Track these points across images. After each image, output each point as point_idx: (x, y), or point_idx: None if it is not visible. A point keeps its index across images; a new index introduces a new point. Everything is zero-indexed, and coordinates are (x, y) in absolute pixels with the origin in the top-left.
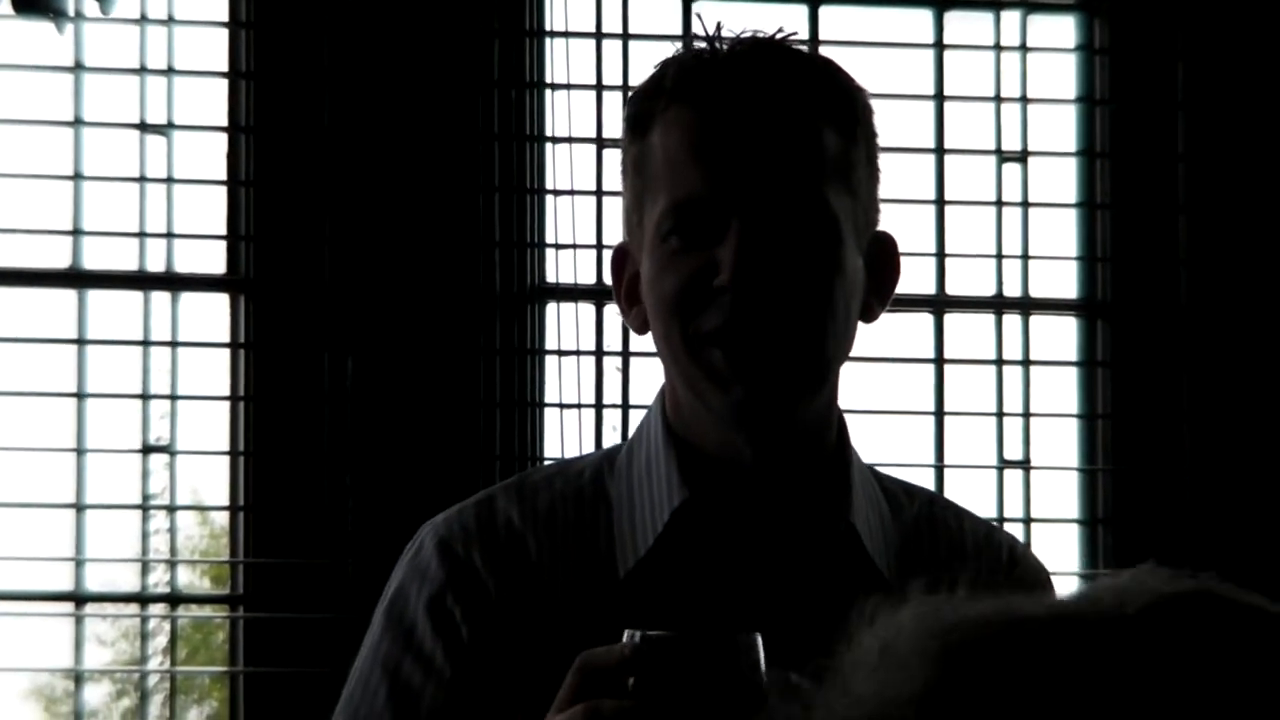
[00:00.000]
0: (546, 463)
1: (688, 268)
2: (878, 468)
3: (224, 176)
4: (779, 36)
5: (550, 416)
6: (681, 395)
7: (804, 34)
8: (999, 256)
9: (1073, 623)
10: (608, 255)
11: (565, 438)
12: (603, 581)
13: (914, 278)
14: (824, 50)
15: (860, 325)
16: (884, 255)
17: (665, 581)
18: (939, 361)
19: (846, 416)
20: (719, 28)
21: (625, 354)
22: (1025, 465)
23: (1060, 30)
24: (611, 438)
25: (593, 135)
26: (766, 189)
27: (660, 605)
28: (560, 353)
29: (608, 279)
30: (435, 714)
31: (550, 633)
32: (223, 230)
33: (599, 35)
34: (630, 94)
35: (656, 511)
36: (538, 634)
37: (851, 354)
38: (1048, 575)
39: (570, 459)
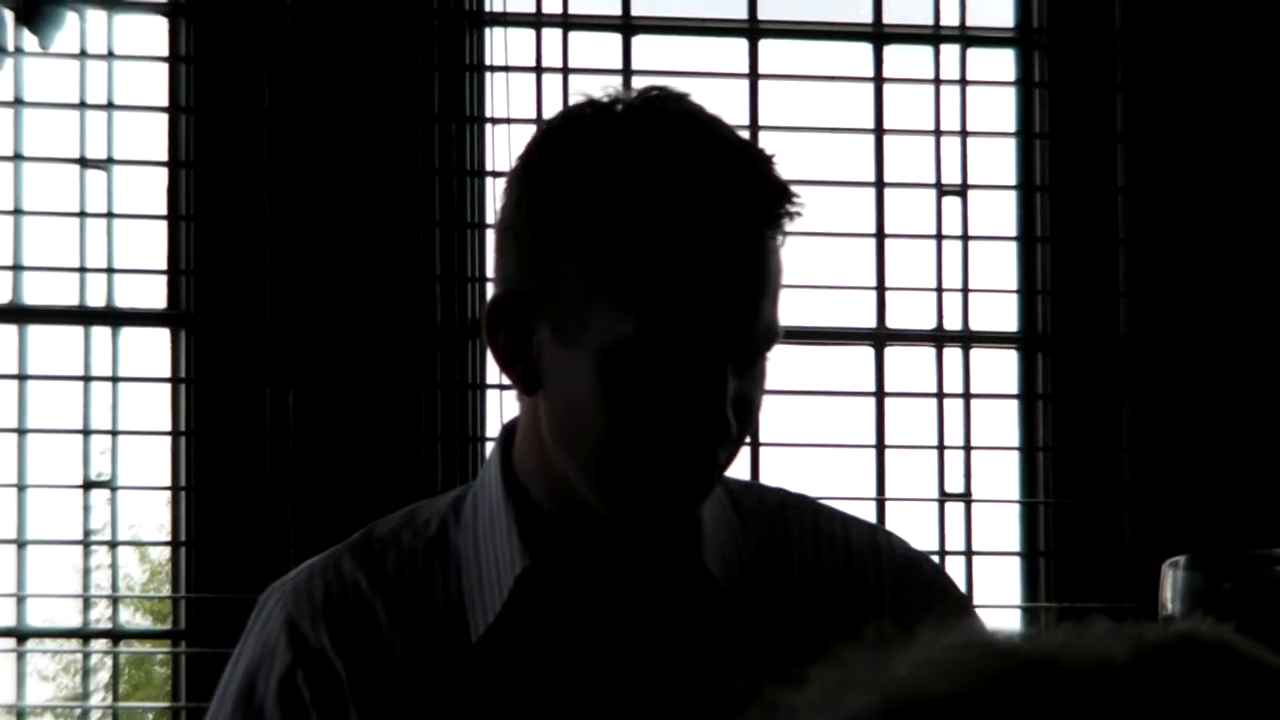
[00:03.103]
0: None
1: (642, 388)
2: (729, 478)
3: (164, 211)
4: (732, 137)
5: (492, 449)
6: (561, 471)
7: (744, 67)
8: (939, 290)
9: (1057, 673)
10: None
11: None
12: (455, 646)
13: (854, 312)
14: (764, 84)
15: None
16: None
17: (518, 644)
18: (879, 395)
19: (778, 450)
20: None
21: None
22: (966, 498)
23: (999, 64)
24: None
25: None
26: (741, 329)
27: (515, 668)
28: (501, 387)
29: None
30: None
31: (404, 704)
32: (163, 265)
33: (539, 69)
34: (560, 155)
35: (501, 576)
36: (391, 708)
37: (792, 388)
38: (948, 585)
39: (418, 506)
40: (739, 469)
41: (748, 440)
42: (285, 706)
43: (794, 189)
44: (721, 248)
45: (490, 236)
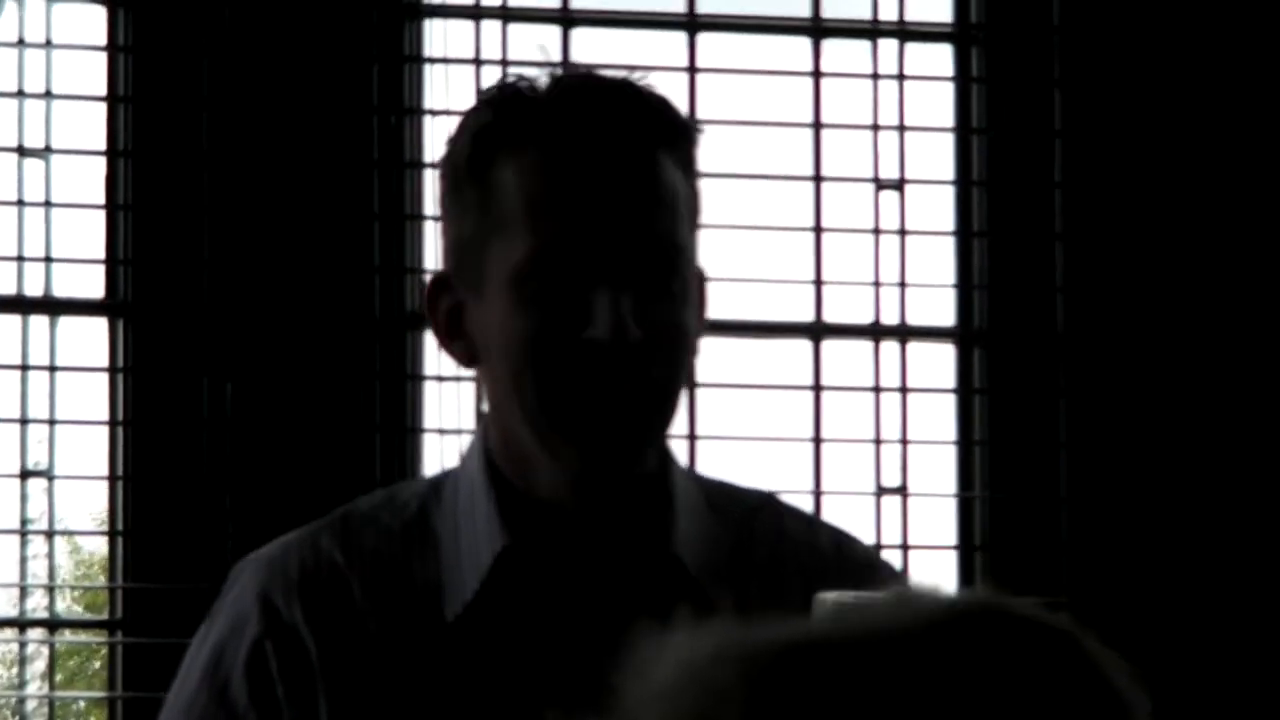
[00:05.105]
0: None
1: (547, 315)
2: (706, 477)
3: (103, 200)
4: (612, 72)
5: (430, 441)
6: (511, 434)
7: (682, 60)
8: (876, 284)
9: (859, 644)
10: None
11: (445, 462)
12: (430, 625)
13: (791, 305)
14: (703, 78)
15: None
16: (702, 290)
17: (494, 624)
18: (816, 389)
19: (715, 443)
20: (547, 58)
21: None
22: (902, 492)
23: (937, 59)
24: None
25: None
26: (632, 239)
27: (490, 648)
28: (440, 378)
29: None
30: None
31: (377, 681)
32: (102, 254)
33: (478, 61)
34: (460, 130)
35: (479, 555)
36: (363, 685)
37: (732, 380)
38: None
39: (399, 486)
40: (679, 461)
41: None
42: (252, 677)
43: (684, 117)
44: (593, 161)
45: (429, 228)
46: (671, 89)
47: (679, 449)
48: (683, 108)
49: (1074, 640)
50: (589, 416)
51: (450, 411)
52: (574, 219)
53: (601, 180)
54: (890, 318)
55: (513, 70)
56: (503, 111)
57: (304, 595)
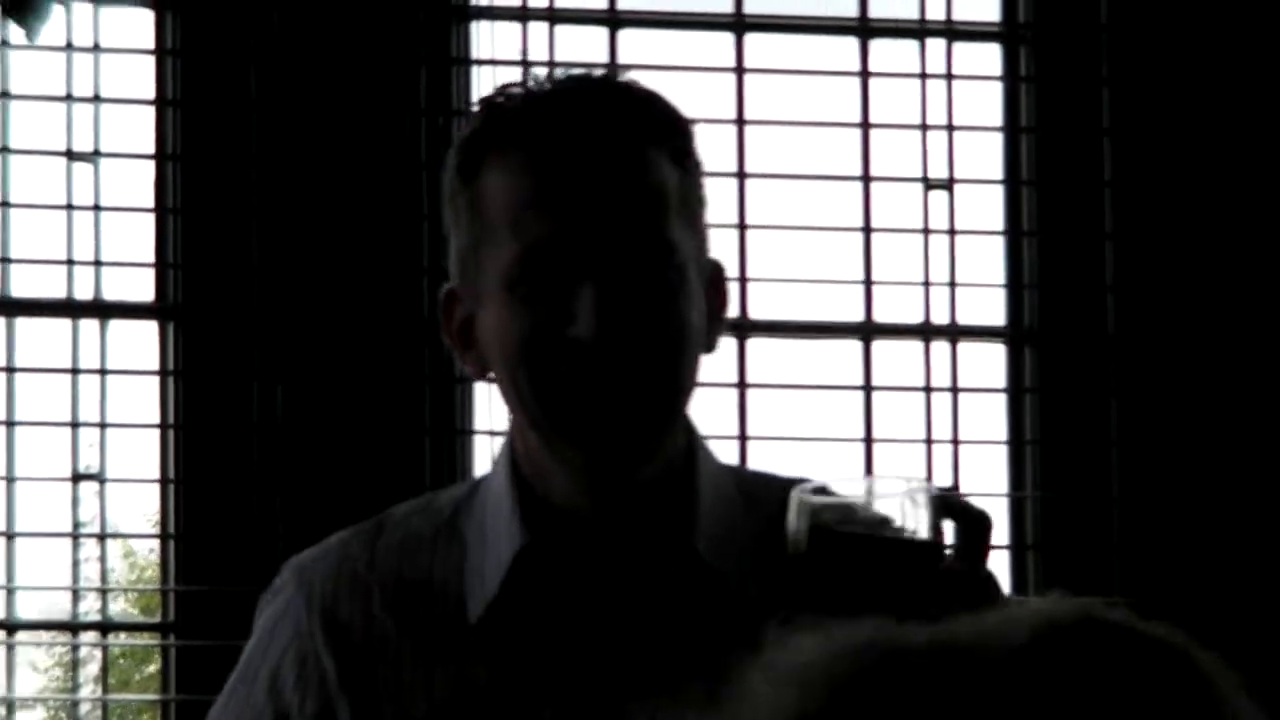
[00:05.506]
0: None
1: (537, 316)
2: (748, 469)
3: (152, 204)
4: (599, 71)
5: (480, 443)
6: (528, 440)
7: (730, 61)
8: (926, 284)
9: (956, 654)
10: None
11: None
12: (454, 626)
13: (841, 305)
14: (750, 78)
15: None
16: (718, 283)
17: (516, 624)
18: (867, 389)
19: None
20: (535, 65)
21: None
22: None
23: (985, 58)
24: None
25: None
26: (616, 235)
27: (512, 647)
28: (490, 379)
29: None
30: None
31: (398, 684)
32: (151, 258)
33: (525, 63)
34: (457, 139)
35: (501, 555)
36: (382, 692)
37: (782, 381)
38: None
39: (441, 491)
40: (711, 453)
41: (743, 438)
42: (272, 691)
43: (675, 111)
44: (575, 159)
45: None
46: (718, 89)
47: (728, 449)
48: (678, 104)
49: (1187, 657)
50: (585, 417)
51: (500, 414)
52: (558, 218)
53: (584, 177)
54: (940, 318)
55: (522, 74)
56: (487, 117)
57: (324, 614)
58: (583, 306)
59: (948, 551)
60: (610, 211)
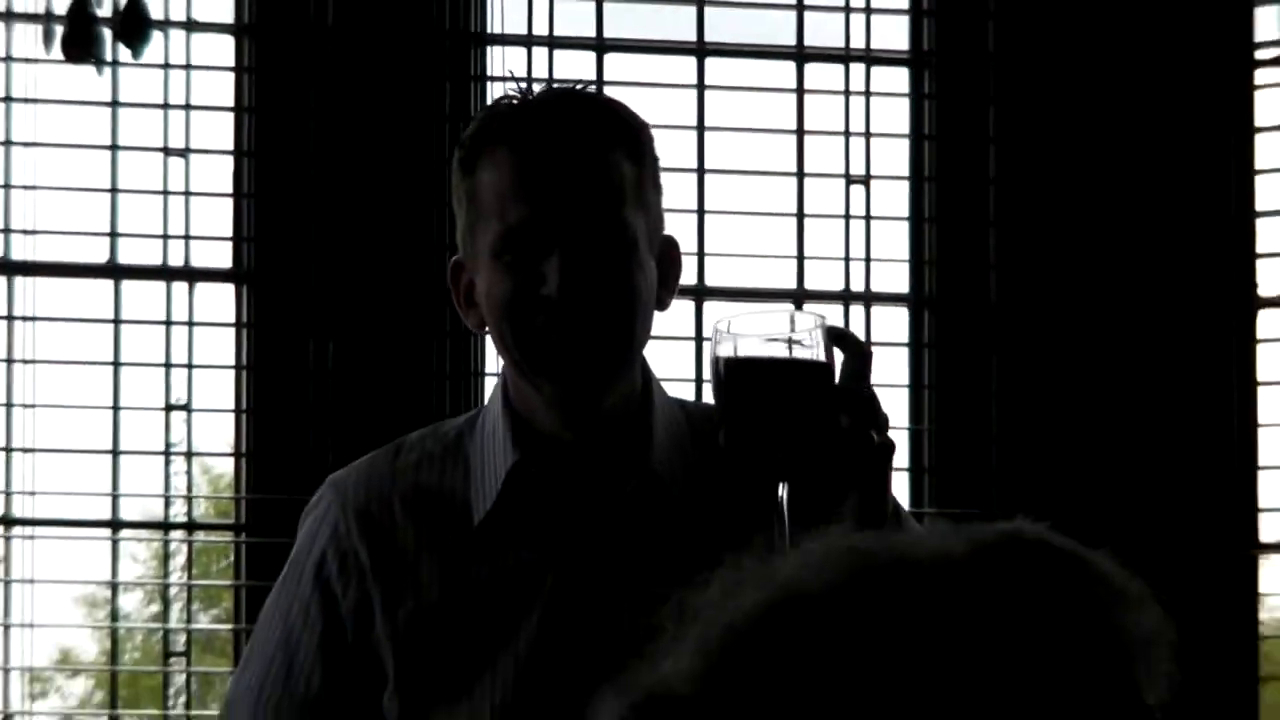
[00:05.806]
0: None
1: (517, 280)
2: (697, 404)
3: (230, 190)
4: (579, 87)
5: (490, 383)
6: (515, 379)
7: (693, 79)
8: (846, 259)
9: (905, 566)
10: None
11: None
12: (462, 529)
13: (779, 275)
14: (710, 94)
15: (657, 313)
16: (670, 255)
17: (512, 526)
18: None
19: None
20: (529, 82)
21: None
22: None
23: (896, 79)
24: None
25: None
26: (579, 216)
27: (508, 546)
28: (486, 332)
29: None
30: (314, 655)
31: (417, 578)
32: (230, 233)
33: (530, 80)
34: (460, 140)
35: (497, 471)
36: (408, 584)
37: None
38: None
39: (445, 421)
40: (664, 392)
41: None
42: (319, 581)
43: (635, 118)
44: (548, 155)
45: None
46: (684, 102)
47: (685, 390)
48: (638, 113)
49: (1093, 563)
50: (555, 358)
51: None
52: (534, 203)
53: (555, 171)
54: (858, 286)
55: (519, 89)
56: (483, 123)
57: (358, 515)
58: (551, 272)
59: (837, 372)
60: (575, 198)
